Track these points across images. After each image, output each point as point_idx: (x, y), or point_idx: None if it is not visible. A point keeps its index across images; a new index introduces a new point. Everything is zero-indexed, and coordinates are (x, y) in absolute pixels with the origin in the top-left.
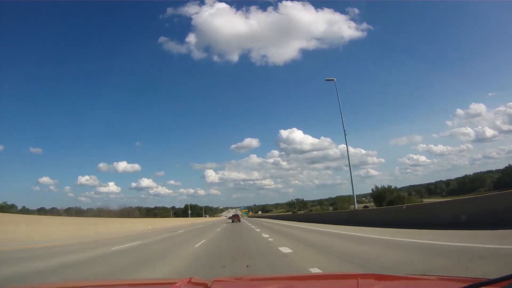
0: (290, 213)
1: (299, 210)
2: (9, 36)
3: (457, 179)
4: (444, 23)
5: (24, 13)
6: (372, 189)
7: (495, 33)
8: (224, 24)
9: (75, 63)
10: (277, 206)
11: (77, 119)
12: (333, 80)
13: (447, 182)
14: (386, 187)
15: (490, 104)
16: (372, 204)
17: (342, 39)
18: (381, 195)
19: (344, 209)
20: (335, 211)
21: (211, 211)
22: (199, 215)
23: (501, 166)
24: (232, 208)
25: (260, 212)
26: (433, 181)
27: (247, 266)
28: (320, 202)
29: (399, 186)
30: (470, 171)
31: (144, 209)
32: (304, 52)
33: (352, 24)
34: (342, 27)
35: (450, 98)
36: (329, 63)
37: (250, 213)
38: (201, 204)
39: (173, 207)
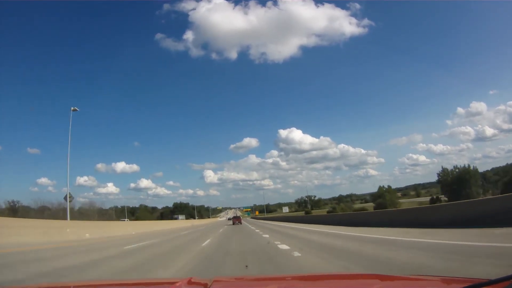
0: (303, 213)
1: (312, 209)
2: (7, 36)
3: (493, 170)
4: (446, 21)
5: (21, 12)
6: (438, 174)
7: (497, 31)
8: (222, 20)
9: (71, 61)
10: (279, 205)
11: (74, 119)
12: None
13: (483, 174)
14: (460, 169)
15: (490, 102)
16: (443, 197)
17: (343, 35)
18: (462, 181)
19: (393, 205)
20: (407, 208)
21: (207, 211)
22: (191, 216)
23: (501, 165)
24: (231, 208)
25: (286, 210)
26: (433, 180)
27: (246, 266)
28: (340, 199)
29: (399, 186)
30: None
31: (119, 209)
32: (304, 49)
33: (353, 20)
34: (343, 23)
35: (451, 96)
36: (329, 61)
37: (257, 212)
38: (199, 204)
39: (167, 207)
